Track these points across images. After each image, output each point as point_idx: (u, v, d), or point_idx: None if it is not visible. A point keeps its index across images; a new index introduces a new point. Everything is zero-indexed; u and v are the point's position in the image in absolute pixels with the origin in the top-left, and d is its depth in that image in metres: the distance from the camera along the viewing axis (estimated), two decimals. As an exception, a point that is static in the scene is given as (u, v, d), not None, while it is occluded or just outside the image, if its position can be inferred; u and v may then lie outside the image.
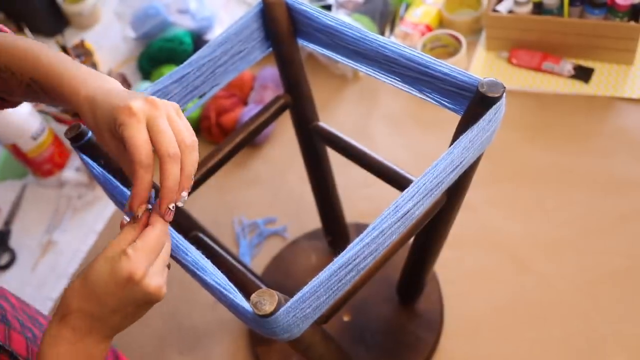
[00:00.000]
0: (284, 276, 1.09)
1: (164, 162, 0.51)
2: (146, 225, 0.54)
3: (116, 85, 0.56)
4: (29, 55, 0.59)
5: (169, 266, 0.55)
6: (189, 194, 0.55)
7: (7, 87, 0.61)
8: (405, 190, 0.57)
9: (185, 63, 0.72)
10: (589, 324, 0.95)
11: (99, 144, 0.65)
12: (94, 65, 1.47)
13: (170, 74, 0.71)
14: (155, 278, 0.52)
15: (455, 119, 0.65)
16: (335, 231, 1.08)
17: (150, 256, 0.52)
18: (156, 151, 0.51)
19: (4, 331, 0.68)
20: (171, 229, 0.58)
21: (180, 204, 0.54)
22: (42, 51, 0.60)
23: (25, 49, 0.60)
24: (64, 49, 1.40)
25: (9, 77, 0.60)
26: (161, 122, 0.52)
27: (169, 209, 0.53)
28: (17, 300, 0.76)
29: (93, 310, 0.53)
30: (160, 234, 0.53)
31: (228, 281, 0.55)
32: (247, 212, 1.23)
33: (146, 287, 0.51)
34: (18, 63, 0.59)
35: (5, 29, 0.66)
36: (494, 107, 0.59)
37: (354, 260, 0.55)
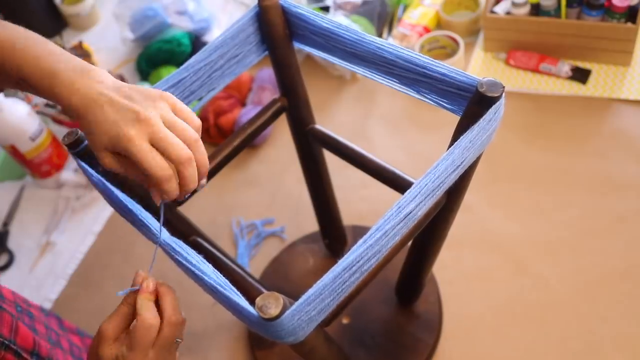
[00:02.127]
0: (282, 280, 1.09)
1: (179, 169, 0.54)
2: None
3: (106, 88, 0.55)
4: (17, 48, 0.56)
5: (180, 340, 0.57)
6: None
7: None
8: (408, 191, 0.57)
9: (182, 68, 0.72)
10: (586, 325, 0.95)
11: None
12: (92, 67, 1.47)
13: (166, 78, 0.71)
14: None
15: (452, 120, 0.65)
16: (332, 234, 1.08)
17: (145, 351, 0.54)
18: (169, 161, 0.54)
19: (11, 323, 0.68)
20: (171, 234, 0.59)
21: (201, 189, 0.58)
22: (29, 42, 0.57)
23: (12, 40, 0.57)
24: (63, 50, 1.40)
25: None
26: (162, 134, 0.53)
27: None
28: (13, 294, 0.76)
29: None
30: (147, 329, 0.55)
31: (231, 285, 0.55)
32: (245, 213, 1.23)
33: None
34: (4, 57, 0.57)
35: None
36: (494, 106, 0.60)
37: (358, 262, 0.55)
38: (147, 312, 0.55)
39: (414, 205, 0.57)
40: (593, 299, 0.98)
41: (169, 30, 1.46)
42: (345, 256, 0.54)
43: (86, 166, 0.64)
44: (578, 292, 0.99)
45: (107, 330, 0.55)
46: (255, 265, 1.15)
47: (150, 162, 0.53)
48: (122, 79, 1.47)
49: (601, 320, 0.95)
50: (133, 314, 0.56)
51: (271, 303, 0.52)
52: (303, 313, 0.53)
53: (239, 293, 0.54)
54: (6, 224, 1.33)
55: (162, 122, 0.54)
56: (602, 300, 0.97)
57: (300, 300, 0.53)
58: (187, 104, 0.74)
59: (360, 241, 0.55)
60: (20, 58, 0.56)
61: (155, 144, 0.53)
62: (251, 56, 0.78)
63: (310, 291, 0.53)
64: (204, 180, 0.57)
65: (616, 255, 1.01)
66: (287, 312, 0.52)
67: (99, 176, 0.63)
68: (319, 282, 0.54)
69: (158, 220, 0.59)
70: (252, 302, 0.54)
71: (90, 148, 0.56)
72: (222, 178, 1.28)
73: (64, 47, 1.34)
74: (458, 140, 0.59)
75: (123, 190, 0.63)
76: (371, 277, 0.68)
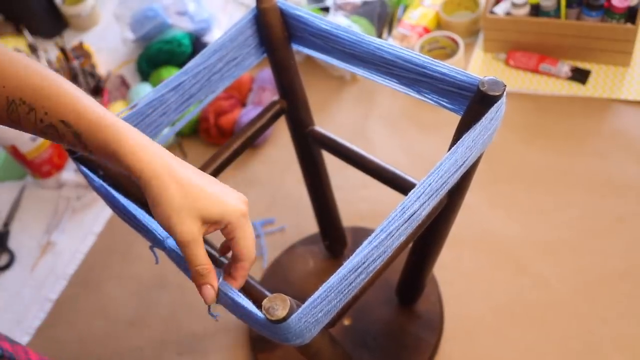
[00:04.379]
0: (283, 282, 1.09)
1: (246, 265, 0.56)
2: None
3: (190, 169, 0.54)
4: (61, 93, 0.52)
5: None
6: None
7: (16, 123, 0.53)
8: (412, 191, 0.57)
9: (181, 71, 0.72)
10: (586, 325, 0.95)
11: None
12: (92, 67, 1.47)
13: (166, 82, 0.71)
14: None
15: (452, 120, 0.66)
16: (332, 235, 1.08)
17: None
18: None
19: None
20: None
21: None
22: (77, 94, 0.52)
23: (56, 85, 0.52)
24: (63, 51, 1.40)
25: (24, 113, 0.52)
26: (250, 227, 0.55)
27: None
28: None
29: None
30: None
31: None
32: (245, 213, 1.23)
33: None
34: (42, 100, 0.52)
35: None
36: (495, 105, 0.60)
37: (364, 263, 0.55)
38: None
39: (418, 205, 0.57)
40: (593, 299, 0.98)
41: (170, 30, 1.46)
42: (351, 258, 0.54)
43: (87, 171, 0.64)
44: (578, 292, 0.99)
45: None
46: (255, 268, 1.15)
47: (251, 243, 0.54)
48: (122, 79, 1.47)
49: (601, 320, 0.95)
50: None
51: (278, 305, 0.51)
52: (310, 315, 0.53)
53: (243, 296, 0.54)
54: (7, 224, 1.34)
55: None
56: (602, 301, 0.97)
57: (308, 302, 0.53)
58: (187, 106, 0.74)
59: (366, 242, 0.55)
60: (72, 100, 0.52)
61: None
62: (250, 59, 0.78)
63: (317, 293, 0.53)
64: None
65: (616, 256, 1.01)
66: (295, 314, 0.52)
67: (100, 181, 0.63)
68: (325, 283, 0.54)
69: None
70: (255, 304, 0.53)
71: (171, 219, 0.51)
72: (222, 178, 1.28)
73: (64, 48, 1.35)
74: (461, 139, 0.59)
75: (124, 195, 0.63)
76: (375, 278, 0.68)
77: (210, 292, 0.54)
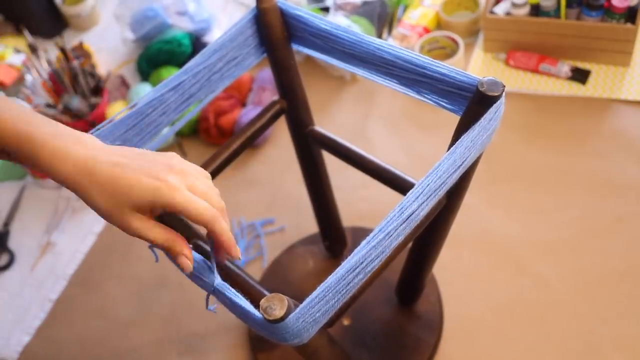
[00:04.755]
0: (282, 282, 1.09)
1: (213, 227, 0.53)
2: None
3: (111, 152, 0.51)
4: None
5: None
6: None
7: None
8: (410, 192, 0.57)
9: (181, 71, 0.72)
10: (586, 325, 0.95)
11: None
12: (93, 67, 1.47)
13: (165, 82, 0.71)
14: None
15: (452, 120, 0.66)
16: (332, 235, 1.08)
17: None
18: None
19: None
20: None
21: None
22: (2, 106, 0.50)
23: None
24: (63, 51, 1.40)
25: None
26: (198, 185, 0.52)
27: (237, 254, 0.55)
28: None
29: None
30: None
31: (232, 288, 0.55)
32: (245, 213, 1.23)
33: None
34: None
35: None
36: (494, 105, 0.60)
37: (362, 263, 0.55)
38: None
39: (417, 205, 0.57)
40: (593, 299, 0.98)
41: (170, 30, 1.46)
42: (349, 258, 0.55)
43: None
44: (578, 292, 0.99)
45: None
46: (254, 267, 1.15)
47: (197, 203, 0.51)
48: (122, 79, 1.47)
49: (601, 320, 0.95)
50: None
51: (276, 304, 0.52)
52: (308, 315, 0.53)
53: (241, 296, 0.54)
54: (7, 224, 1.34)
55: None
56: (602, 301, 0.97)
57: (305, 302, 0.53)
58: (187, 106, 0.74)
59: (364, 242, 0.55)
60: None
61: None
62: (250, 58, 0.78)
63: (315, 293, 0.53)
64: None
65: (616, 256, 1.01)
66: (292, 314, 0.52)
67: None
68: (323, 283, 0.54)
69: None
70: (254, 304, 0.54)
71: (110, 220, 0.52)
72: (222, 178, 1.28)
73: (64, 48, 1.35)
74: (459, 140, 0.59)
75: None
76: (374, 278, 0.68)
77: (184, 261, 0.54)
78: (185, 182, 0.51)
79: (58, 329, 1.16)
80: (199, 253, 0.59)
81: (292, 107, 0.86)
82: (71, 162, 0.50)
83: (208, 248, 0.79)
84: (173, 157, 0.53)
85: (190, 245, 0.55)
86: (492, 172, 1.15)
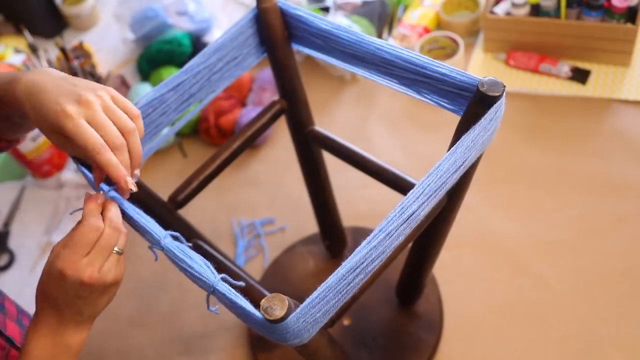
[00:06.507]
0: (282, 282, 1.09)
1: (100, 157, 0.56)
2: None
3: (51, 74, 0.58)
4: None
5: (121, 251, 0.59)
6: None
7: None
8: (411, 192, 0.57)
9: (181, 71, 0.72)
10: (586, 325, 0.95)
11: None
12: (93, 67, 1.47)
13: (165, 82, 0.71)
14: (89, 269, 0.56)
15: (452, 120, 0.66)
16: (332, 235, 1.08)
17: (80, 250, 0.56)
18: None
19: (1, 318, 0.69)
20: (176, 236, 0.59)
21: (135, 180, 0.59)
22: None
23: None
24: (63, 51, 1.40)
25: None
26: (99, 117, 0.56)
27: (129, 186, 0.58)
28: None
29: (56, 299, 0.57)
30: (87, 229, 0.57)
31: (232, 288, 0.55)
32: (245, 213, 1.23)
33: (79, 279, 0.55)
34: None
35: None
36: (495, 106, 0.60)
37: (362, 263, 0.55)
38: (91, 217, 0.58)
39: (417, 205, 0.57)
40: (593, 299, 0.98)
41: (170, 30, 1.46)
42: (349, 258, 0.55)
43: (86, 171, 0.64)
44: (578, 292, 0.99)
45: (56, 244, 0.58)
46: (255, 267, 1.15)
47: (84, 134, 0.55)
48: (122, 79, 1.47)
49: (601, 320, 0.95)
50: None
51: (276, 305, 0.52)
52: (308, 315, 0.53)
53: (241, 296, 0.54)
54: (7, 224, 1.34)
55: (102, 108, 0.57)
56: (602, 300, 0.97)
57: (306, 302, 0.53)
58: (187, 106, 0.74)
59: (364, 242, 0.55)
60: None
61: (91, 125, 0.56)
62: (250, 58, 0.78)
63: (315, 293, 0.53)
64: (137, 171, 0.60)
65: (616, 256, 1.01)
66: (293, 314, 0.52)
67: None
68: (323, 284, 0.54)
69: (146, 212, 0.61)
70: (254, 304, 0.54)
71: (41, 132, 0.58)
72: (222, 178, 1.28)
73: (64, 48, 1.35)
74: (460, 140, 0.59)
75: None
76: (374, 279, 0.68)
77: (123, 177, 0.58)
78: (85, 112, 0.55)
79: (58, 329, 1.16)
80: (199, 253, 0.60)
81: (292, 107, 0.86)
82: (22, 85, 0.58)
83: (208, 248, 0.79)
84: (95, 89, 0.57)
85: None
86: (492, 171, 1.15)
